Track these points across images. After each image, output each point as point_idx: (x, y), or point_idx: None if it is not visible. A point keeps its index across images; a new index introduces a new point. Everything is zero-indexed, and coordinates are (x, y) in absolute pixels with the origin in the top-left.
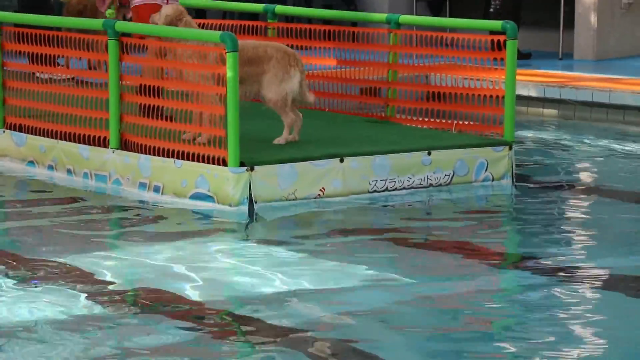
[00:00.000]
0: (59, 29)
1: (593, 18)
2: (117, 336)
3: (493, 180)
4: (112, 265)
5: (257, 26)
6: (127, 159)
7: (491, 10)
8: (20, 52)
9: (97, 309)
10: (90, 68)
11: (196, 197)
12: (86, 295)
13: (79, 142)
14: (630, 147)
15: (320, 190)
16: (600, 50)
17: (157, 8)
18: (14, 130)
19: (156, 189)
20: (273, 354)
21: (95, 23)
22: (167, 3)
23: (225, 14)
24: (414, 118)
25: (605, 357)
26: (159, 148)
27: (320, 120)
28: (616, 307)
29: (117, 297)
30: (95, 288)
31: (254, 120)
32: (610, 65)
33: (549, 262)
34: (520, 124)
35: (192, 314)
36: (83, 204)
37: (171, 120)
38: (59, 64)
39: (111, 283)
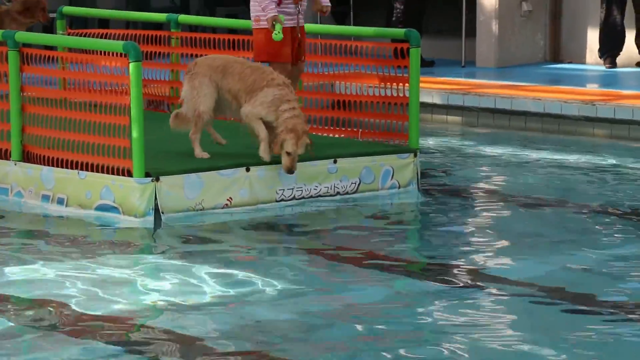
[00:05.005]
0: None
1: (494, 26)
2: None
3: (399, 187)
4: (10, 278)
5: (160, 36)
6: (29, 171)
7: (394, 18)
8: None
9: None
10: None
11: (101, 208)
12: None
13: None
14: (532, 153)
15: (228, 200)
16: (501, 57)
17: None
18: None
19: (60, 201)
20: None
21: None
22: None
23: (129, 24)
24: (320, 126)
25: None
26: (62, 159)
27: (226, 130)
28: (518, 313)
29: (12, 311)
30: None
31: (158, 130)
32: (511, 72)
33: (455, 269)
34: (425, 131)
35: (91, 327)
36: None
37: None
38: None
39: (9, 297)
